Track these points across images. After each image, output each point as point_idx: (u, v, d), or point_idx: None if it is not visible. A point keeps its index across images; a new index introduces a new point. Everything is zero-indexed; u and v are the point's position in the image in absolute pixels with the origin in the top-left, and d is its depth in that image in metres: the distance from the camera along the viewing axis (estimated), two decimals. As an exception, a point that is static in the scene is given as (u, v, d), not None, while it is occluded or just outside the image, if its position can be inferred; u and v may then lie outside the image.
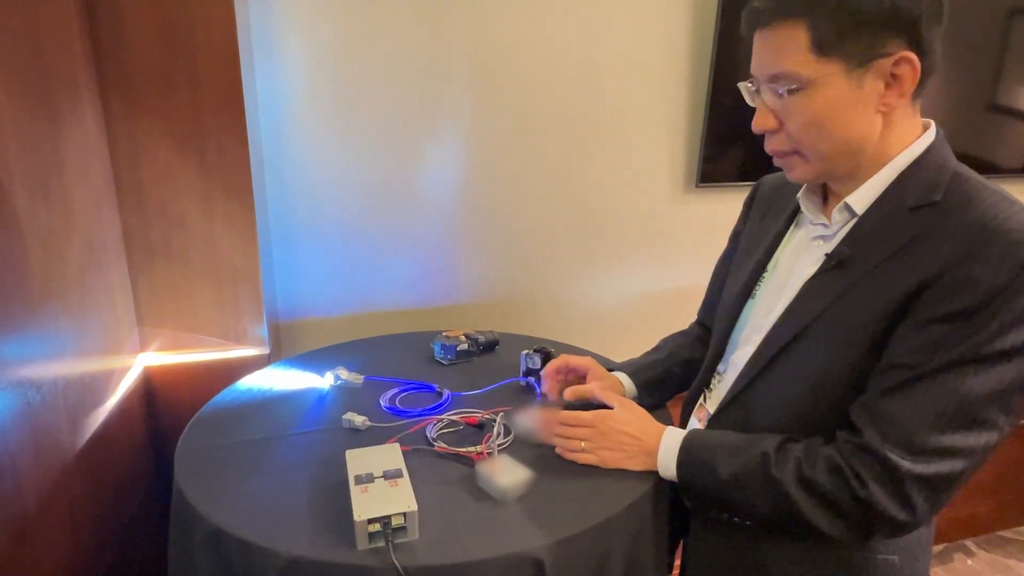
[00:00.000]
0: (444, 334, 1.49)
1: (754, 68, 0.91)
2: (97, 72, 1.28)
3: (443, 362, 1.45)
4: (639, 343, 1.38)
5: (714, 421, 1.05)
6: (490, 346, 1.51)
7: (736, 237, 1.22)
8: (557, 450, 1.10)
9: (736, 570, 1.03)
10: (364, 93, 1.60)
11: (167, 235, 1.41)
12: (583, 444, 1.07)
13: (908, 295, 0.83)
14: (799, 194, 1.02)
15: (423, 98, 1.64)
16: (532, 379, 1.33)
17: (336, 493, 0.98)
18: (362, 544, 0.88)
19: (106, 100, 1.30)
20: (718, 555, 1.06)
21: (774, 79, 0.87)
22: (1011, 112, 2.11)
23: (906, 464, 0.82)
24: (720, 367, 1.10)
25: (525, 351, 1.34)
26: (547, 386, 1.26)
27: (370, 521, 0.87)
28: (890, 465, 0.82)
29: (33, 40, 1.06)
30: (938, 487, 0.83)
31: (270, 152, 1.57)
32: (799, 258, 1.00)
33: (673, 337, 1.34)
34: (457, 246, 1.78)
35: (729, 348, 1.08)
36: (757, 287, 1.06)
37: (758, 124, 0.92)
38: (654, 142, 1.85)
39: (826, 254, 0.94)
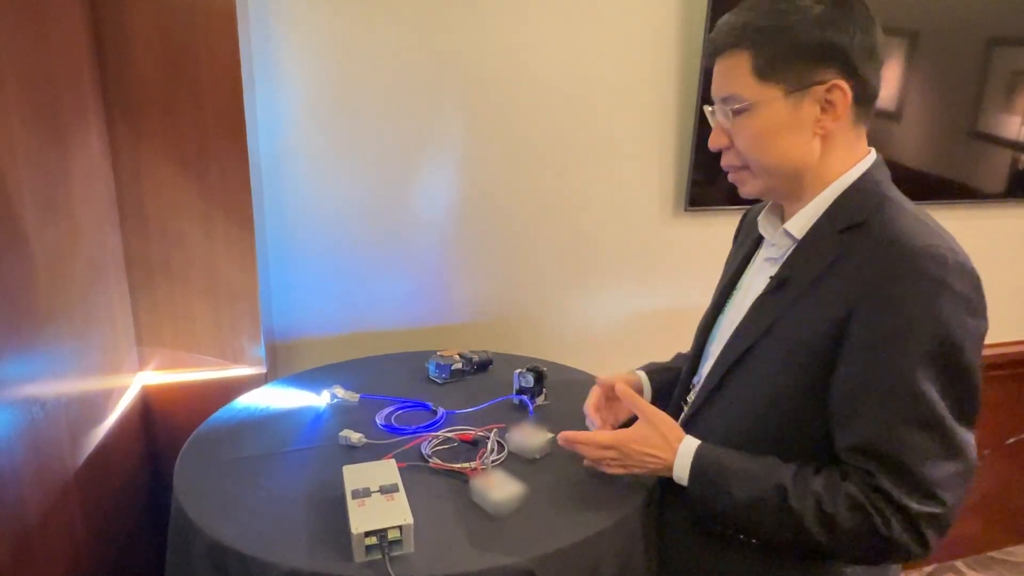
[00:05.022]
0: (439, 353, 1.51)
1: (711, 91, 1.00)
2: (104, 98, 1.31)
3: (438, 381, 1.47)
4: (629, 362, 1.40)
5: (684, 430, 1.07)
6: (484, 365, 1.53)
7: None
8: (585, 463, 1.07)
9: None
10: (361, 118, 1.64)
11: (167, 255, 1.43)
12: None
13: (840, 317, 0.88)
14: (759, 216, 1.08)
15: (418, 124, 1.68)
16: (525, 397, 1.35)
17: (333, 507, 1.00)
18: (359, 556, 0.90)
19: (112, 125, 1.33)
20: (685, 564, 1.08)
21: (724, 100, 0.97)
22: (992, 139, 2.16)
23: (916, 506, 0.86)
24: (695, 380, 1.15)
25: (518, 370, 1.37)
26: (598, 421, 1.16)
27: (367, 534, 0.89)
28: (907, 511, 0.86)
29: (45, 69, 1.10)
30: (943, 521, 0.87)
31: (269, 174, 1.60)
32: (755, 279, 1.07)
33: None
34: (451, 268, 1.81)
35: (702, 362, 1.13)
36: (727, 305, 1.12)
37: (712, 141, 1.01)
38: (644, 166, 1.89)
39: (770, 276, 1.00)
